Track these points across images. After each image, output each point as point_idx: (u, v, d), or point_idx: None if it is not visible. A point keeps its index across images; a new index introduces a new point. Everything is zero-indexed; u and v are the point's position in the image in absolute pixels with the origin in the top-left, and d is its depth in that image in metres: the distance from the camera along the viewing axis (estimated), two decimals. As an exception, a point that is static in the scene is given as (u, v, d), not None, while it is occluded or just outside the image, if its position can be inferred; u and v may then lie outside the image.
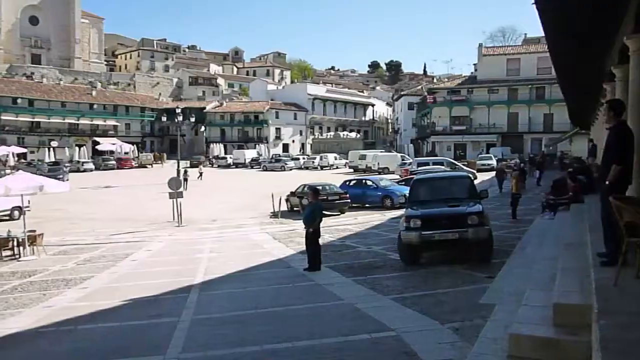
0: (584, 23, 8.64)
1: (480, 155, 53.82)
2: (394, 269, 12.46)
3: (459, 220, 11.79)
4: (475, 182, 18.41)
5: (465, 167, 39.41)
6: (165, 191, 25.06)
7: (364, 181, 29.33)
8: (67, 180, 40.66)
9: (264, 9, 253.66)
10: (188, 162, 66.88)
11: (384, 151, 63.28)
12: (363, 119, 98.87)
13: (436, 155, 55.91)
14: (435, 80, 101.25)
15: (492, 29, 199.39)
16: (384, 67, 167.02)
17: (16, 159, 62.50)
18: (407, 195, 15.72)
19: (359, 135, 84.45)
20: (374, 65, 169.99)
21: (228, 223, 24.49)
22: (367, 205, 27.06)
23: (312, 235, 12.55)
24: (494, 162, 47.17)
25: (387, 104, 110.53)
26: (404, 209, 14.80)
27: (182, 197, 24.40)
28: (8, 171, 46.38)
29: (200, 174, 49.39)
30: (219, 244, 18.59)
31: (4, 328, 9.33)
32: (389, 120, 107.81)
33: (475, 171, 38.60)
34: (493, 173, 36.73)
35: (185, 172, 40.81)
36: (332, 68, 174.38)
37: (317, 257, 12.65)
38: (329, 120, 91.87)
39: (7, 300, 11.64)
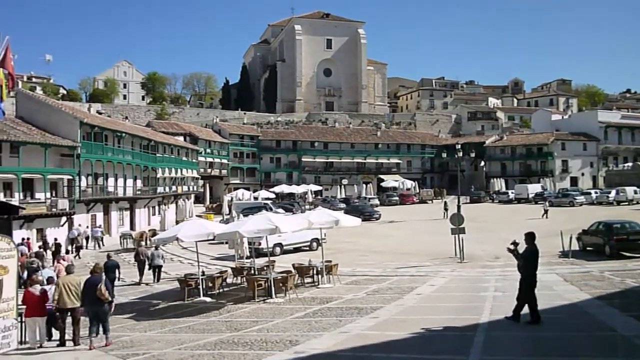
0: None
1: None
2: None
3: None
4: None
5: None
6: (437, 219, 25.08)
7: (674, 218, 25.37)
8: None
9: (543, 37, 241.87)
10: (468, 197, 66.70)
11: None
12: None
13: None
14: None
15: None
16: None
17: (313, 195, 70.75)
18: None
19: (665, 165, 73.46)
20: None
21: (512, 261, 23.39)
22: (680, 246, 23.22)
23: (527, 284, 11.60)
24: None
25: None
26: None
27: (465, 232, 24.30)
28: (308, 207, 52.60)
29: (546, 211, 45.29)
30: (504, 283, 17.86)
31: (308, 348, 10.46)
32: None
33: None
34: None
35: (445, 203, 46.14)
36: (628, 91, 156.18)
37: (534, 308, 11.50)
38: (626, 149, 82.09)
39: (310, 323, 13.06)
